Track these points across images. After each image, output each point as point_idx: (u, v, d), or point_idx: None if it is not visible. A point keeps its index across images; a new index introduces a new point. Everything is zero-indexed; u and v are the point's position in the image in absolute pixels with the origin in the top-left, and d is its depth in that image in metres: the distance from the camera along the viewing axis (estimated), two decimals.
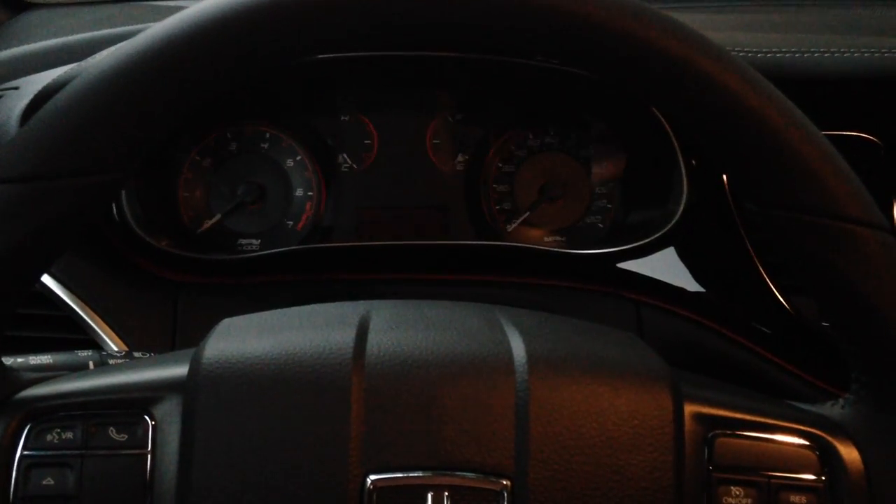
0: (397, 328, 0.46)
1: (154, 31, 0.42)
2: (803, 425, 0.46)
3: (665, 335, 0.79)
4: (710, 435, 0.45)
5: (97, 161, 0.42)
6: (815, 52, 0.73)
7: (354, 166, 0.89)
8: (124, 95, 0.41)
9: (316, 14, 0.41)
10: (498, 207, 0.89)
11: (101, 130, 0.41)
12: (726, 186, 0.77)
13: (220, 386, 0.43)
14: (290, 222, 0.88)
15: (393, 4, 0.41)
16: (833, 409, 0.48)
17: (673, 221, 0.78)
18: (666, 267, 0.80)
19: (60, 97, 0.42)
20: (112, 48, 0.72)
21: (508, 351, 0.45)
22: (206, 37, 0.41)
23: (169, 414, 0.44)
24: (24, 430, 0.44)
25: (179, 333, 0.77)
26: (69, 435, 0.44)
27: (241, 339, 0.46)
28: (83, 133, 0.41)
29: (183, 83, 0.42)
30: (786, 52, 0.74)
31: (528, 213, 0.88)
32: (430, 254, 0.84)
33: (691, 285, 0.80)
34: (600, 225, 0.88)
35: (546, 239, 0.89)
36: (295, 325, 0.47)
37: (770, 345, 0.76)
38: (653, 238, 0.79)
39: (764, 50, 0.74)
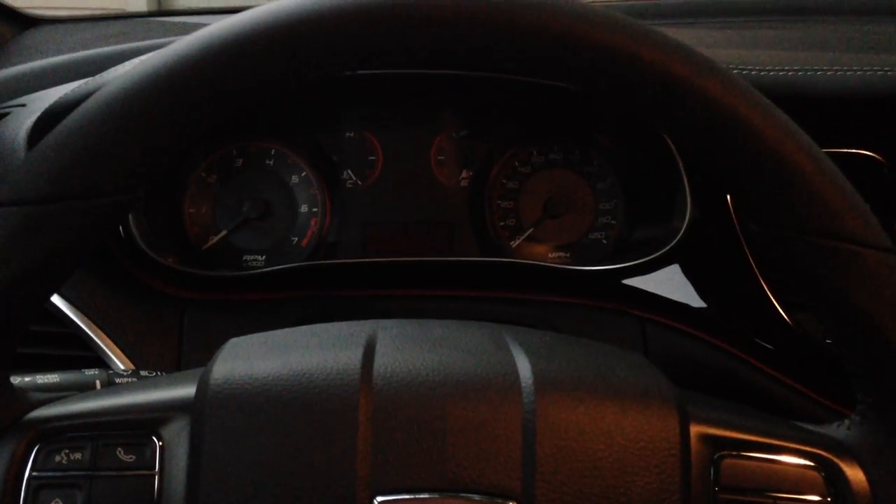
0: (404, 348, 0.46)
1: (162, 54, 0.43)
2: (809, 446, 0.46)
3: (670, 352, 0.79)
4: (716, 456, 0.45)
5: (111, 182, 0.42)
6: (818, 71, 0.73)
7: (359, 182, 0.89)
8: (139, 116, 0.41)
9: (335, 37, 0.41)
10: (502, 223, 0.89)
11: (115, 151, 0.42)
12: (730, 204, 0.77)
13: (227, 407, 0.43)
14: (295, 238, 0.88)
15: (420, 29, 0.41)
16: (838, 430, 0.48)
17: (677, 238, 0.78)
18: (670, 283, 0.80)
19: (73, 117, 0.42)
20: (126, 67, 0.73)
21: (515, 371, 0.45)
22: (225, 57, 0.41)
23: (177, 435, 0.44)
24: (32, 451, 0.44)
25: (185, 350, 0.77)
26: (78, 456, 0.44)
27: (248, 359, 0.46)
28: (97, 154, 0.41)
29: (199, 104, 0.42)
30: (788, 71, 0.74)
31: (531, 230, 0.88)
32: (434, 270, 0.85)
33: (696, 301, 0.80)
34: (604, 241, 0.89)
35: (550, 255, 0.89)
36: (302, 344, 0.47)
37: (775, 362, 0.76)
38: (657, 255, 0.79)
39: (767, 68, 0.74)
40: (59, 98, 0.75)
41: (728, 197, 0.78)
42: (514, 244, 0.89)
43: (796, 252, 0.44)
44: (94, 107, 0.42)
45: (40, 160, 0.42)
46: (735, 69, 0.74)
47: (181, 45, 0.42)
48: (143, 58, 0.43)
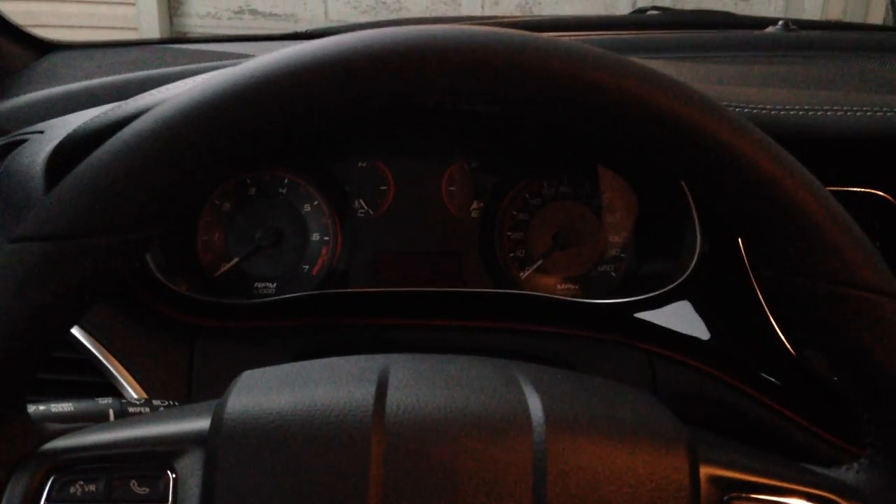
0: (416, 385, 0.47)
1: (187, 94, 0.43)
2: (817, 489, 0.46)
3: (678, 386, 0.79)
4: (725, 497, 0.45)
5: (134, 220, 0.43)
6: (831, 110, 0.73)
7: (370, 212, 0.90)
8: (163, 156, 0.42)
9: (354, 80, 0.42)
10: (512, 255, 0.90)
11: (139, 189, 0.42)
12: (740, 243, 0.78)
13: (241, 441, 0.44)
14: (306, 266, 0.89)
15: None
16: (847, 473, 0.48)
17: (686, 273, 0.79)
18: (680, 316, 0.81)
19: (96, 155, 0.43)
20: (146, 99, 0.73)
21: (526, 410, 0.45)
22: (250, 100, 0.42)
23: (190, 467, 0.44)
24: (48, 482, 0.44)
25: (195, 377, 0.77)
26: (92, 488, 0.44)
27: (262, 393, 0.46)
28: (121, 192, 0.42)
29: (224, 145, 0.42)
30: (801, 110, 0.74)
31: (541, 261, 0.89)
32: (444, 300, 0.85)
33: (705, 336, 0.80)
34: (613, 274, 0.89)
35: (559, 287, 0.89)
36: (315, 379, 0.47)
37: (784, 399, 0.76)
38: (666, 289, 0.79)
39: (779, 107, 0.74)
40: (78, 126, 0.76)
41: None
42: (523, 275, 0.89)
43: (807, 297, 0.44)
44: (118, 145, 0.43)
45: (64, 196, 0.42)
46: (746, 108, 0.74)
47: (205, 85, 0.43)
48: (168, 95, 0.44)
